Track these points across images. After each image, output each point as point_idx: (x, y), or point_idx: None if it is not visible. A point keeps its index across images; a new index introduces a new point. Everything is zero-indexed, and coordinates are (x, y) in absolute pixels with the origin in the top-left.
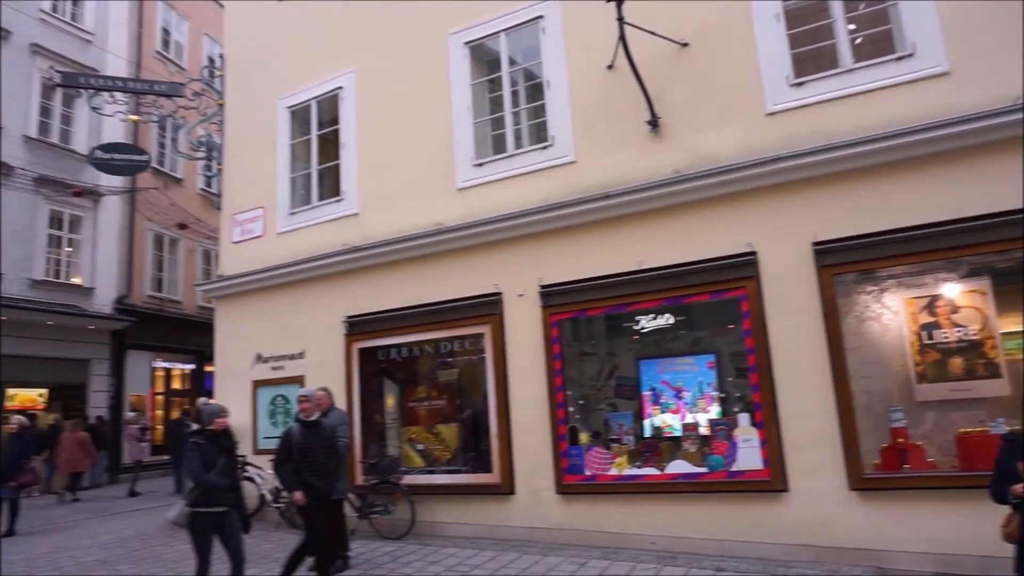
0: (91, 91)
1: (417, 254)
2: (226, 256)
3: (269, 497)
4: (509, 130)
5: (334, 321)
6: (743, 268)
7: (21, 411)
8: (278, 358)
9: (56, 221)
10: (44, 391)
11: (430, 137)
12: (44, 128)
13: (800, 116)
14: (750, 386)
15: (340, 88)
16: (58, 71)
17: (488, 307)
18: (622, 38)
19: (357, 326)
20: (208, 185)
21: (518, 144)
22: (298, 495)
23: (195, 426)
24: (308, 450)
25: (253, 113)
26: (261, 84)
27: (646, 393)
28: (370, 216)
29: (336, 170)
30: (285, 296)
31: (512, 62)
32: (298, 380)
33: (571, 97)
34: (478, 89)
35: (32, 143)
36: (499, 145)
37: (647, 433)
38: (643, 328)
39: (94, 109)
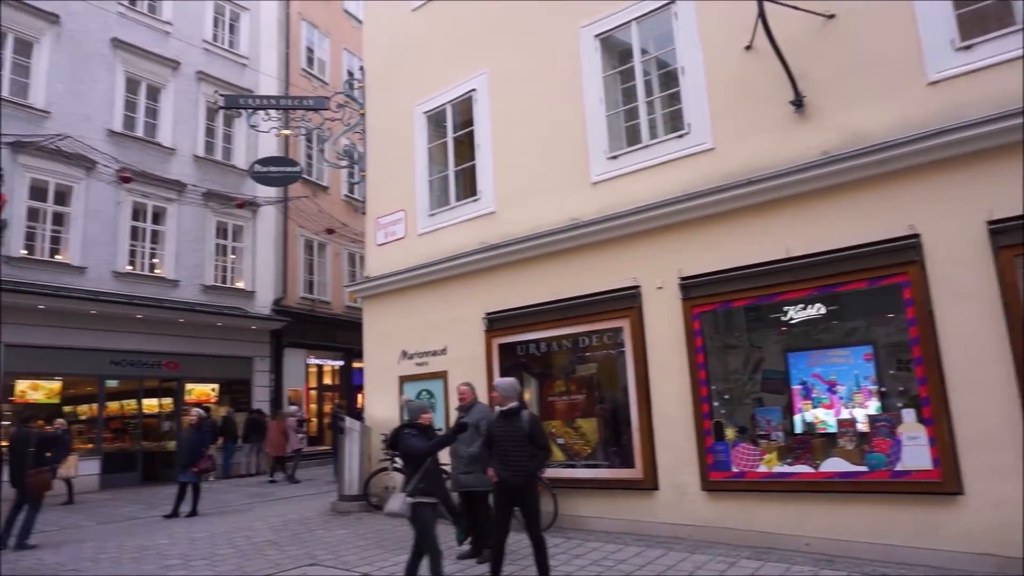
0: (249, 111)
1: (554, 249)
2: (371, 258)
3: None
4: (643, 120)
5: (474, 317)
6: (904, 252)
7: (197, 404)
8: (422, 354)
9: (222, 231)
10: (216, 386)
11: (563, 132)
12: (209, 147)
13: (967, 83)
14: (915, 379)
15: (473, 90)
16: (221, 95)
17: (626, 301)
18: (761, 16)
19: (496, 322)
20: (351, 191)
21: (653, 134)
22: (491, 471)
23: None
24: (498, 439)
25: (392, 120)
26: (399, 92)
27: (796, 387)
28: (506, 214)
29: (472, 170)
30: (427, 294)
31: (644, 51)
32: (441, 375)
33: (707, 82)
34: (610, 81)
35: (200, 161)
36: (633, 136)
37: (798, 429)
38: (791, 319)
39: (252, 127)
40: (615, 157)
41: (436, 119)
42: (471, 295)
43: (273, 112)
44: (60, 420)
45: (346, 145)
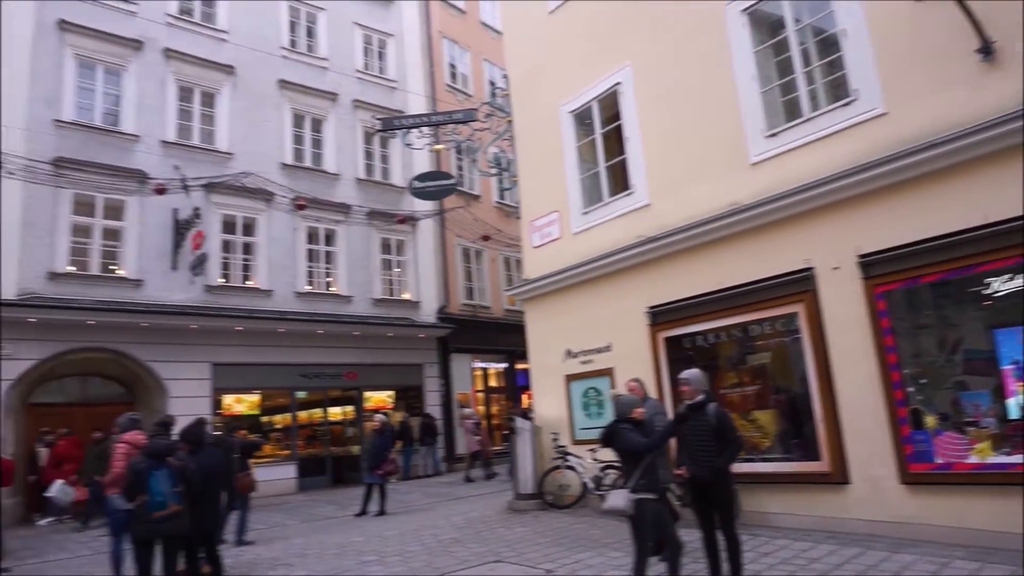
0: (404, 131)
1: (714, 237)
2: (529, 260)
3: (591, 485)
4: (803, 92)
5: (636, 312)
6: None
7: (376, 411)
8: (586, 352)
9: (386, 246)
10: (391, 393)
11: (715, 115)
12: (369, 169)
13: None
14: None
15: (618, 84)
16: (377, 119)
17: (799, 284)
18: None
19: (660, 315)
20: (502, 198)
21: (814, 106)
22: (682, 469)
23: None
24: (684, 434)
25: (539, 124)
26: (543, 95)
27: (1007, 367)
28: (661, 205)
29: (623, 165)
30: (587, 292)
31: (797, 20)
32: (607, 372)
33: (874, 43)
34: (762, 56)
35: (362, 183)
36: (792, 111)
37: (1014, 414)
38: (996, 292)
39: (407, 146)
40: (774, 135)
41: (582, 117)
42: (632, 290)
43: (425, 129)
44: (242, 431)
45: (495, 153)
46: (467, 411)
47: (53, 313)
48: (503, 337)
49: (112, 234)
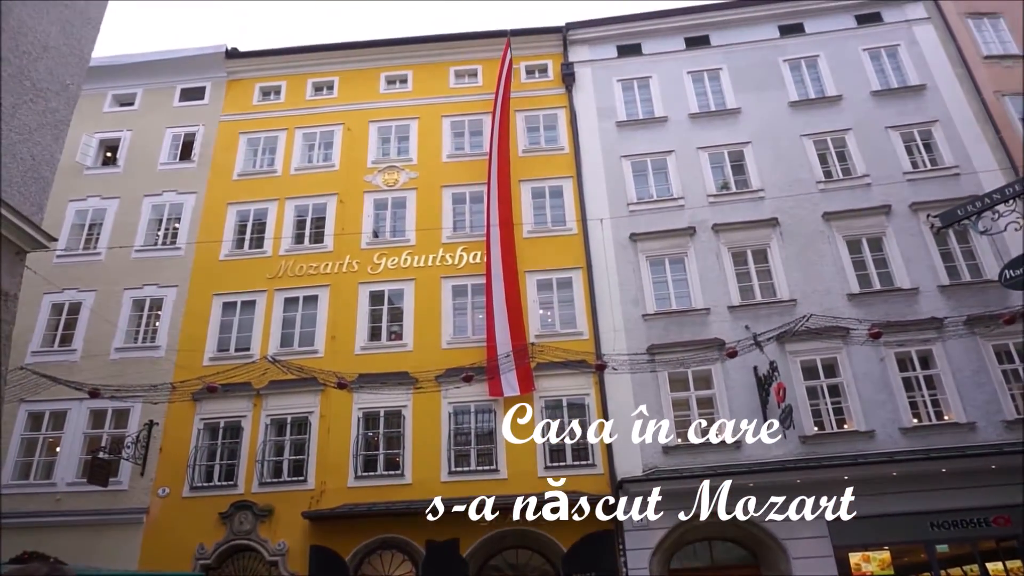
0: (972, 218)
1: None
2: None
3: None
4: None
5: None
6: None
7: None
8: None
9: (1003, 355)
10: None
11: None
12: (952, 272)
13: None
14: None
15: None
16: (933, 216)
17: None
18: None
19: None
20: None
21: None
22: None
23: None
24: None
25: None
26: None
27: None
28: None
29: None
30: None
31: None
32: None
33: None
34: None
35: (947, 290)
36: None
37: None
38: None
39: (983, 233)
40: None
41: None
42: None
43: (1001, 207)
44: None
45: None
46: None
47: (672, 484)
48: None
49: (704, 402)
